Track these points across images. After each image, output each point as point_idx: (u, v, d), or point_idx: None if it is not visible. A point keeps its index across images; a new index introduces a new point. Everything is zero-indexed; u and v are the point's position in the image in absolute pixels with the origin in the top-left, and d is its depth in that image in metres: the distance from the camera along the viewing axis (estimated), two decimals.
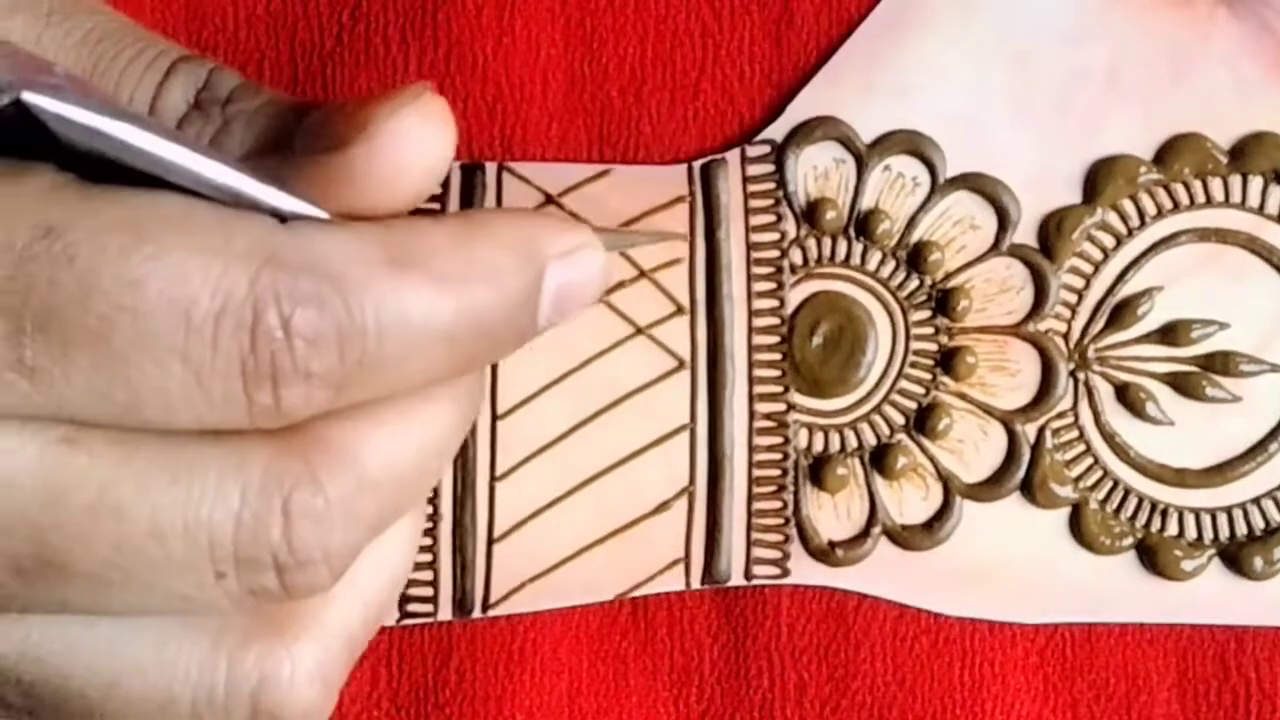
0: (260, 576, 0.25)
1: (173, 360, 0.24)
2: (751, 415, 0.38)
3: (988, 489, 0.39)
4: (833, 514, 0.39)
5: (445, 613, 0.38)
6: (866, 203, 0.39)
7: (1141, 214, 0.39)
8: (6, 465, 0.24)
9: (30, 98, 0.23)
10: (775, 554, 0.38)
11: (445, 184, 0.38)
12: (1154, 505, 0.39)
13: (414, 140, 0.26)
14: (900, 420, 0.39)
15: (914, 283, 0.39)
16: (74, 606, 0.26)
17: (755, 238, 0.39)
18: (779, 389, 0.38)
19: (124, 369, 0.24)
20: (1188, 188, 0.39)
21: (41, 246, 0.24)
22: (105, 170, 0.24)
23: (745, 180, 0.39)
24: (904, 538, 0.39)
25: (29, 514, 0.25)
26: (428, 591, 0.38)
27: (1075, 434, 0.39)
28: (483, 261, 0.26)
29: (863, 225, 0.39)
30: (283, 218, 0.25)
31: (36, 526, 0.25)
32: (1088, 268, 0.39)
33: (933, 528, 0.39)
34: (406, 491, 0.27)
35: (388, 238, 0.25)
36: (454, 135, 0.26)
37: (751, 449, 0.38)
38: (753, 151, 0.39)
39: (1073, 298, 0.39)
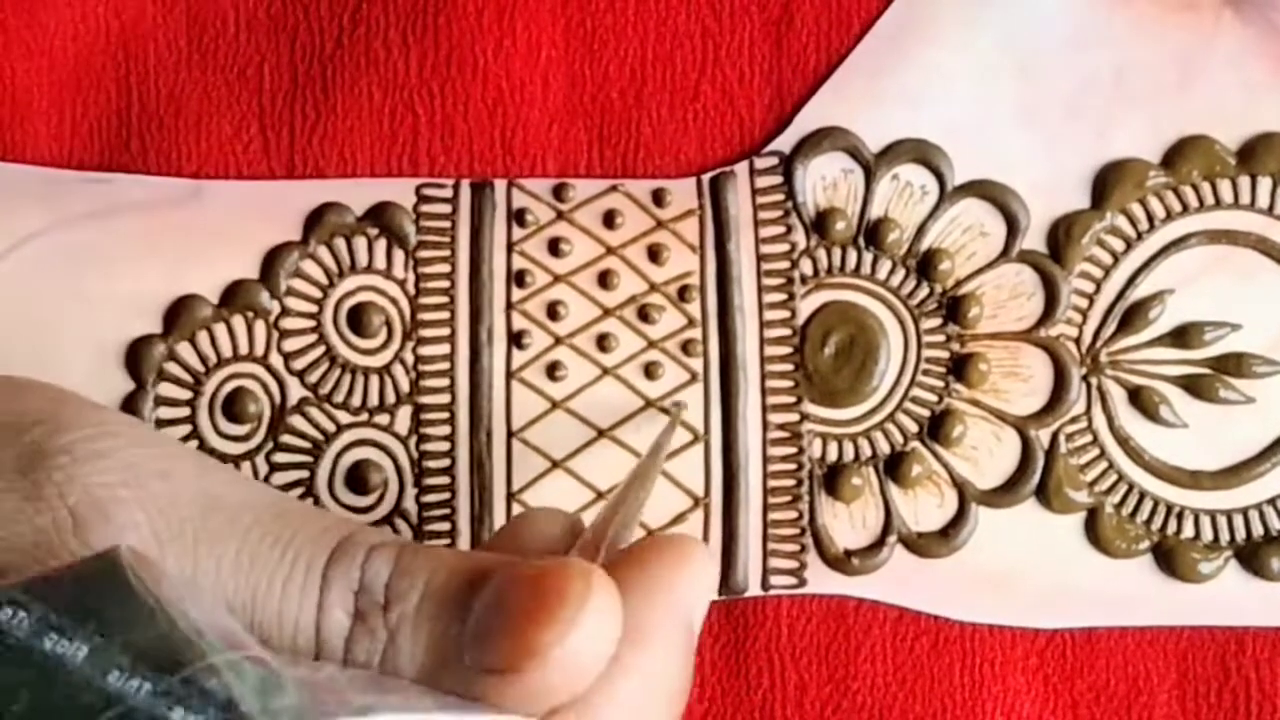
0: None
1: None
2: (765, 426, 0.38)
3: (1003, 495, 0.39)
4: (848, 523, 0.39)
5: None
6: (875, 212, 0.39)
7: (1151, 217, 0.39)
8: None
9: None
10: (792, 564, 0.38)
11: (455, 203, 0.39)
12: (1169, 508, 0.39)
13: (586, 657, 0.26)
14: (914, 428, 0.39)
15: (924, 291, 0.39)
16: None
17: (765, 249, 0.39)
18: (792, 399, 0.39)
19: None
20: (1197, 190, 0.39)
21: None
22: None
23: (754, 192, 0.39)
24: (920, 545, 0.39)
25: None
26: None
27: (1089, 438, 0.39)
28: (657, 684, 0.27)
29: (872, 234, 0.39)
30: None
31: None
32: (1098, 272, 0.39)
33: (948, 535, 0.39)
34: None
35: None
36: (620, 618, 0.26)
37: (766, 459, 0.38)
38: (761, 163, 0.39)
39: (1084, 302, 0.39)
